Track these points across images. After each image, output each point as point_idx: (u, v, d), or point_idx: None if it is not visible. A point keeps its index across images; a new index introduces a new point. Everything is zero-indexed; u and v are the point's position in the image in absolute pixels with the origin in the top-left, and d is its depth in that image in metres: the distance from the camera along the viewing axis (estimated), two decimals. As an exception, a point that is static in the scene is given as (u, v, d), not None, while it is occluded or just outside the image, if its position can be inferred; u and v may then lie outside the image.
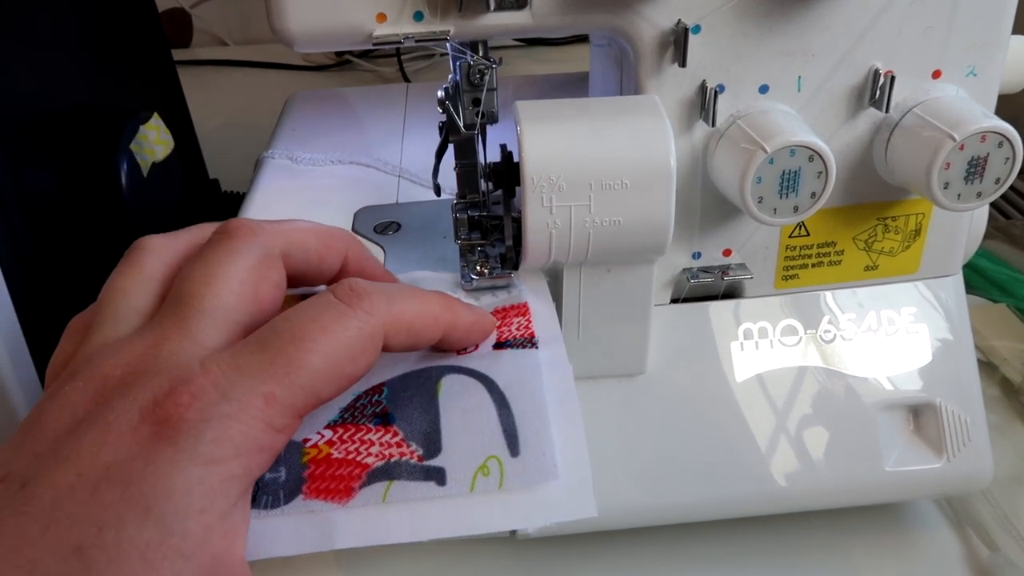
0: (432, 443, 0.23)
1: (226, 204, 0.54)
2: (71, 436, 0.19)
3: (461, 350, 0.27)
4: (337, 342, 0.21)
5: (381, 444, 0.23)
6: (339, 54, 0.90)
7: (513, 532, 0.34)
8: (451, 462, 0.23)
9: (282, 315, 0.22)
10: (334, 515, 0.22)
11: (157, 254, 0.24)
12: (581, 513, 0.22)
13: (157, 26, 0.52)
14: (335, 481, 0.22)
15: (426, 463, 0.23)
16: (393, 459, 0.23)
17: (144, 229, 0.40)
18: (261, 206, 0.39)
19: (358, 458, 0.23)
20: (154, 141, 0.40)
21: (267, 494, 0.22)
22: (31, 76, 0.37)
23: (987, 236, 0.54)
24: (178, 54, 0.94)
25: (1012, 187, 0.60)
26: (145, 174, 0.40)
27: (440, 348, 0.26)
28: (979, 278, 0.50)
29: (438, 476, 0.23)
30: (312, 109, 0.48)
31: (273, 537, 0.21)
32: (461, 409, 0.24)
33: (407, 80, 0.86)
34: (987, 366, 0.45)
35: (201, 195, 0.54)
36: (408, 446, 0.23)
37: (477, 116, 0.31)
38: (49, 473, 0.18)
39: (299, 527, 0.21)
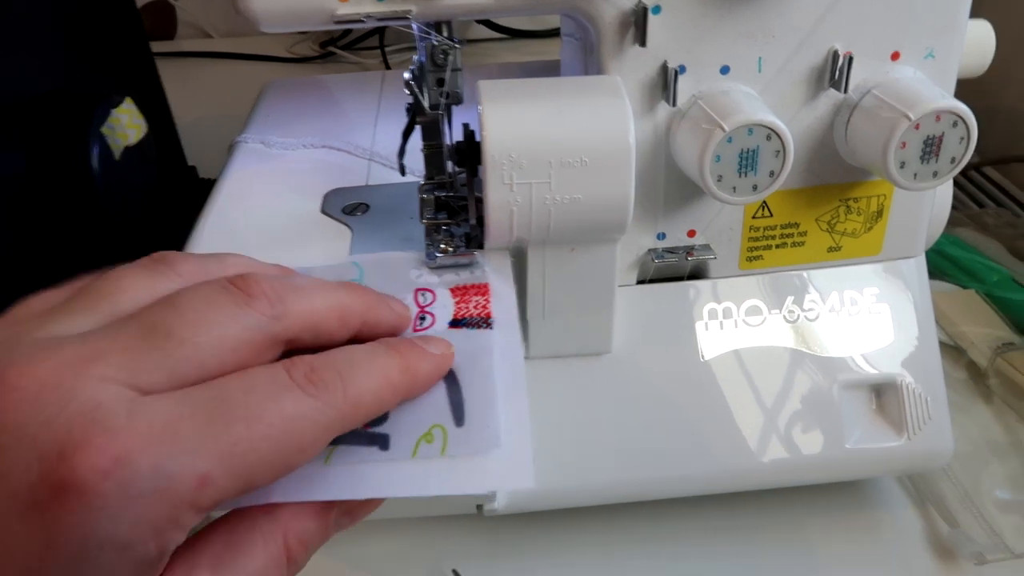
0: None
1: (202, 190, 0.54)
2: None
3: (418, 326, 0.27)
4: (293, 432, 0.19)
5: None
6: (322, 45, 0.90)
7: (479, 508, 0.34)
8: (395, 429, 0.23)
9: (233, 380, 0.19)
10: None
11: (183, 279, 0.21)
12: (519, 483, 0.23)
13: (134, 14, 0.52)
14: None
15: (371, 430, 0.23)
16: None
17: (115, 212, 0.40)
18: (233, 189, 0.39)
19: None
20: (126, 125, 0.40)
21: None
22: (3, 61, 0.37)
23: (959, 224, 0.55)
24: (162, 46, 0.95)
25: (983, 175, 0.61)
26: (117, 157, 0.40)
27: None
28: (950, 265, 0.51)
29: (381, 441, 0.23)
30: (287, 96, 0.48)
31: None
32: None
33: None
34: (955, 350, 0.46)
35: (177, 180, 0.54)
36: None
37: (441, 96, 0.31)
38: None
39: None
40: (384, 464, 0.23)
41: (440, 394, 0.25)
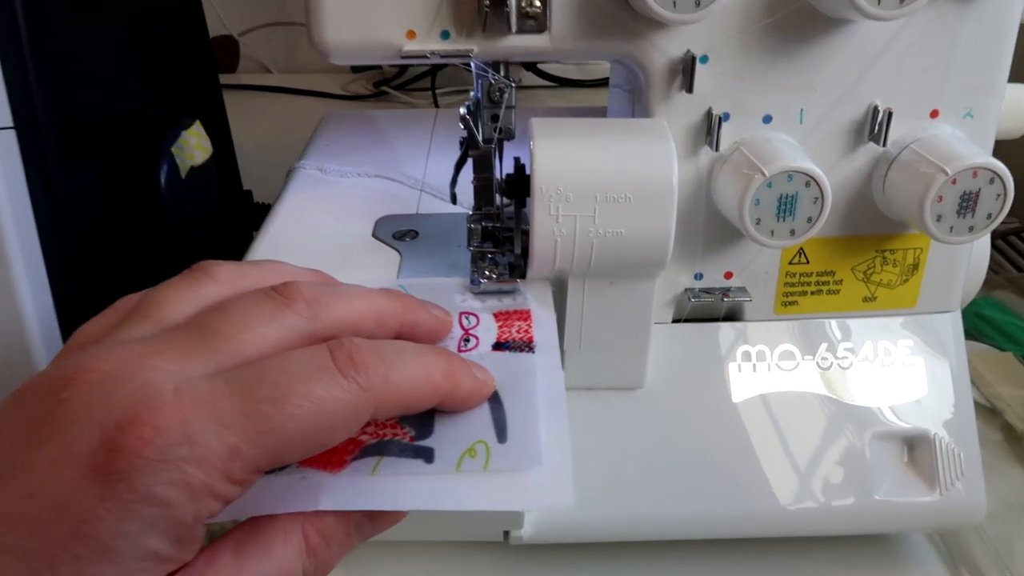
0: (424, 426, 0.25)
1: (257, 213, 0.56)
2: (29, 443, 0.19)
3: (462, 347, 0.29)
4: (321, 413, 0.20)
5: (376, 425, 0.24)
6: (376, 84, 0.94)
7: (506, 536, 0.35)
8: (440, 443, 0.24)
9: (271, 362, 0.20)
10: (324, 480, 0.23)
11: (219, 283, 0.23)
12: (559, 501, 0.23)
13: (207, 45, 0.55)
14: (329, 453, 0.23)
15: (417, 443, 0.24)
16: (386, 438, 0.24)
17: (179, 227, 0.42)
18: (289, 211, 0.41)
19: (354, 435, 0.24)
20: (194, 146, 0.43)
21: None
22: (89, 83, 0.40)
23: (998, 286, 0.55)
24: (225, 78, 0.99)
25: (1023, 239, 0.60)
26: (183, 176, 0.42)
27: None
28: (987, 326, 0.51)
29: (427, 455, 0.24)
30: (345, 127, 0.51)
31: (262, 496, 0.22)
32: None
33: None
34: (991, 412, 0.46)
35: (234, 202, 0.56)
36: (402, 428, 0.24)
37: (495, 131, 0.33)
38: (3, 483, 0.18)
39: (288, 489, 0.22)
40: (428, 477, 0.23)
41: (484, 412, 0.25)
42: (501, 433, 0.25)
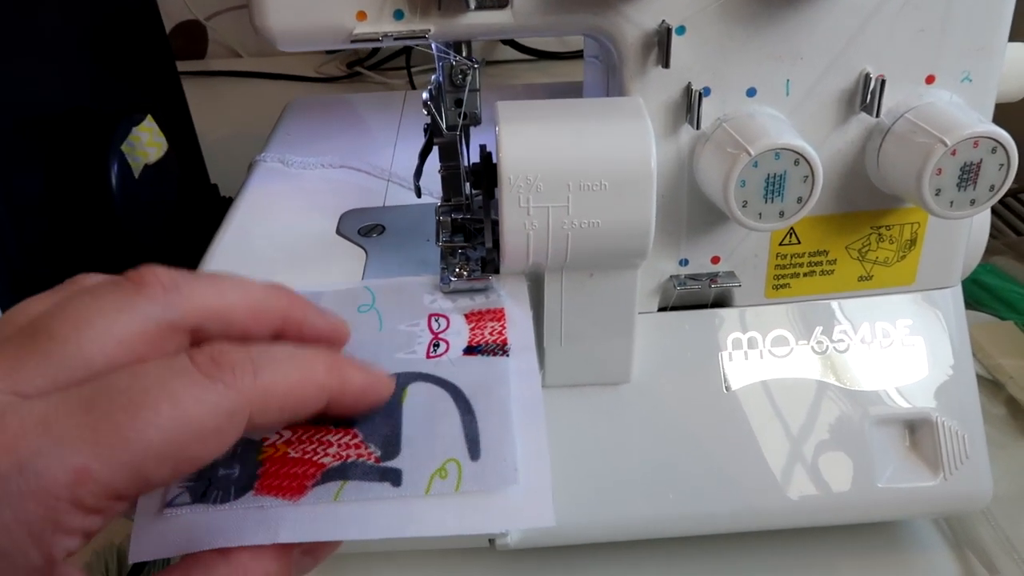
0: (391, 445, 0.23)
1: (224, 208, 0.54)
2: None
3: (431, 353, 0.27)
4: (185, 417, 0.17)
5: (339, 445, 0.23)
6: (349, 65, 0.91)
7: (491, 542, 0.33)
8: (408, 464, 0.22)
9: (120, 371, 0.18)
10: (283, 510, 0.21)
11: (80, 286, 0.20)
12: (538, 521, 0.22)
13: (160, 32, 0.52)
14: (288, 479, 0.22)
15: (383, 464, 0.22)
16: (350, 459, 0.22)
17: (133, 230, 0.40)
18: (250, 208, 0.39)
19: (315, 458, 0.22)
20: (147, 143, 0.40)
21: (218, 489, 0.21)
22: (28, 79, 0.37)
23: (996, 252, 0.53)
24: (192, 65, 0.96)
25: (1021, 201, 0.59)
26: (137, 175, 0.40)
27: (329, 413, 0.22)
28: (986, 295, 0.49)
29: (393, 477, 0.22)
30: (309, 114, 0.48)
31: (217, 528, 0.20)
32: (424, 415, 0.24)
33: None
34: (993, 385, 0.44)
35: (199, 198, 0.54)
36: (367, 448, 0.23)
37: (459, 117, 0.31)
38: None
39: (244, 521, 0.21)
40: (396, 502, 0.22)
41: (455, 424, 0.24)
42: (474, 448, 0.23)
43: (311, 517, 0.21)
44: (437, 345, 0.27)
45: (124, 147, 0.39)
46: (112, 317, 0.19)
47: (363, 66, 0.90)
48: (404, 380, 0.25)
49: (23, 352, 0.18)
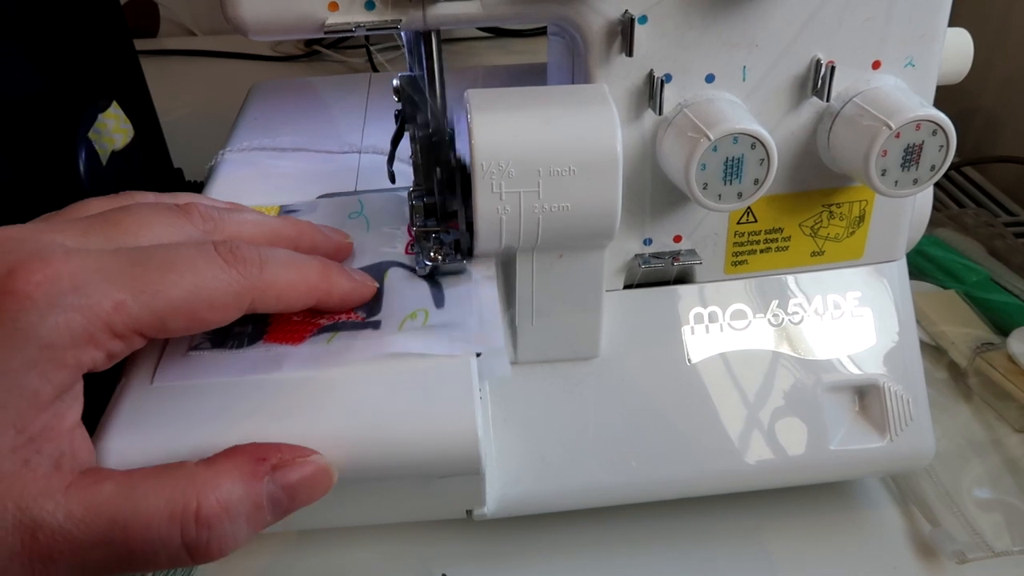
0: (373, 308, 0.29)
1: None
2: None
3: (408, 251, 0.33)
4: (202, 287, 0.22)
5: (331, 316, 0.29)
6: (307, 44, 0.90)
7: (469, 513, 0.34)
8: (385, 315, 0.28)
9: (161, 245, 0.23)
10: (286, 350, 0.27)
11: (135, 200, 0.26)
12: (491, 344, 0.27)
13: (118, 14, 0.51)
14: (291, 329, 0.27)
15: (366, 320, 0.28)
16: (340, 320, 0.28)
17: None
18: (221, 196, 0.39)
19: (312, 319, 0.28)
20: (113, 129, 0.40)
21: (233, 339, 0.27)
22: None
23: (939, 224, 0.55)
24: (145, 44, 0.94)
25: (963, 174, 0.61)
26: (104, 163, 0.40)
27: (319, 309, 0.28)
28: (930, 265, 0.52)
29: (374, 325, 0.28)
30: (274, 99, 0.48)
31: (231, 365, 0.26)
32: (400, 287, 0.30)
33: (375, 70, 0.86)
34: (936, 350, 0.47)
35: (163, 184, 0.53)
36: (354, 313, 0.29)
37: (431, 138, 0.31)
38: None
39: (255, 359, 0.26)
40: (376, 337, 0.27)
41: (424, 289, 0.30)
42: (439, 302, 0.29)
43: (308, 354, 0.27)
44: (413, 245, 0.32)
45: (91, 134, 0.39)
46: (165, 227, 0.24)
47: (322, 45, 0.90)
48: (386, 265, 0.31)
49: (94, 229, 0.23)
